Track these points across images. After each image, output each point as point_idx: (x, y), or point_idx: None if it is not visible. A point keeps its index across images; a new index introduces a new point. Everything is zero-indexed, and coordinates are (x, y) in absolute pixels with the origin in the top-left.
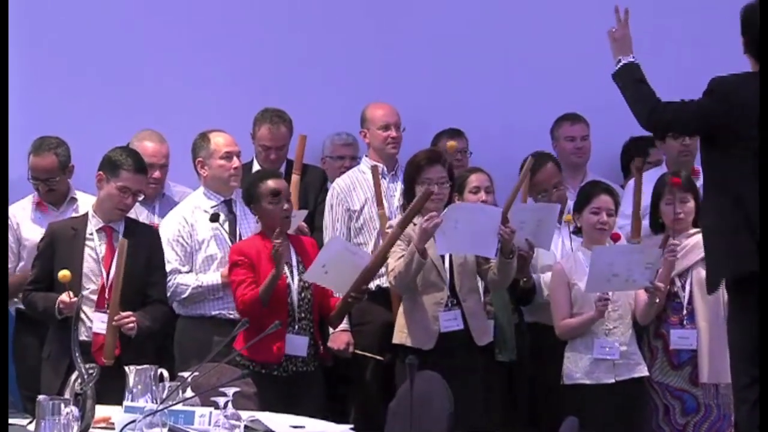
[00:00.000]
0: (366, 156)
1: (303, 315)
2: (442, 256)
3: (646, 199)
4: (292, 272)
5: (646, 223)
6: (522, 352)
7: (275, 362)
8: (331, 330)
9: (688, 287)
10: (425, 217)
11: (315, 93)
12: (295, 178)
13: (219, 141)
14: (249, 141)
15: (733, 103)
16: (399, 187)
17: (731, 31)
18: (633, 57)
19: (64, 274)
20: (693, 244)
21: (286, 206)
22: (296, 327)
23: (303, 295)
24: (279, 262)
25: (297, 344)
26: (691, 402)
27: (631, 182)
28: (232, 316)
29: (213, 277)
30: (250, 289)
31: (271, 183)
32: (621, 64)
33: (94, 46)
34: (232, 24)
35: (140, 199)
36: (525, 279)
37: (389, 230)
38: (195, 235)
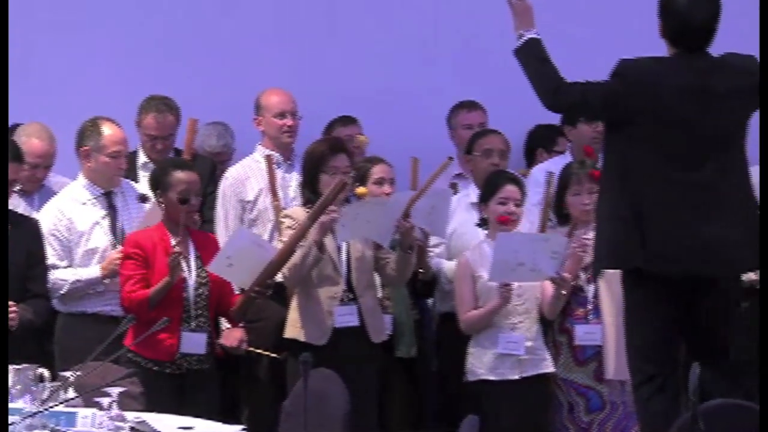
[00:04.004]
0: (260, 144)
1: (200, 312)
2: (339, 249)
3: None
4: (189, 267)
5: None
6: (424, 347)
7: (167, 360)
8: (222, 326)
9: (593, 281)
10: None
11: (203, 79)
12: None
13: (110, 136)
14: (133, 128)
15: (638, 87)
16: (294, 177)
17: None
18: (536, 32)
19: None
20: None
21: (194, 201)
22: (192, 324)
23: (200, 291)
24: (174, 270)
25: (195, 341)
26: (596, 399)
27: (534, 171)
28: (114, 313)
29: (92, 271)
30: (139, 287)
31: (183, 175)
32: (524, 39)
33: None
34: (117, 5)
35: (15, 189)
36: (422, 271)
37: (284, 220)
38: (74, 228)
